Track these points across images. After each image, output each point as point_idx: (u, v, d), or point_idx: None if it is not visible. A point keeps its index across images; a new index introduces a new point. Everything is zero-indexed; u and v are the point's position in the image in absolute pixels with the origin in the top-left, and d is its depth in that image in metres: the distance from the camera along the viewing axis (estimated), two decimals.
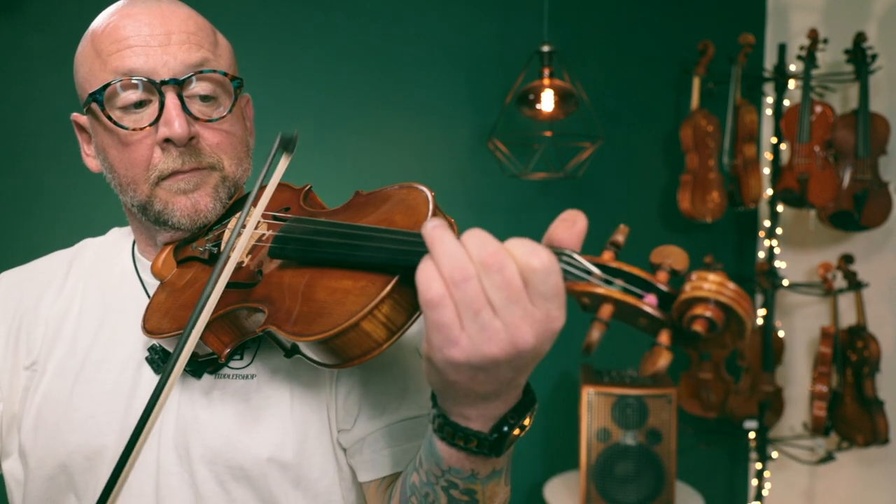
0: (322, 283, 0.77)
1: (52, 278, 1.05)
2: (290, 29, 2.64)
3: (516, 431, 0.68)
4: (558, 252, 0.62)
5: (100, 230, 1.14)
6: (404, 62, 2.77)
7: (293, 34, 2.63)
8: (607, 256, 0.62)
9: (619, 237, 0.63)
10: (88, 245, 1.10)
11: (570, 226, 0.63)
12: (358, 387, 0.94)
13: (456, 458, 0.70)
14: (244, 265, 0.89)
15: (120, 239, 1.10)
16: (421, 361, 1.02)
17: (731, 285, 0.56)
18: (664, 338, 0.58)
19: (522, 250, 0.58)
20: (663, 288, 0.59)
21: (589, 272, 0.60)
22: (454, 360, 0.59)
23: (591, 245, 0.64)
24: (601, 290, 0.59)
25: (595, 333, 0.58)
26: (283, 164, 0.78)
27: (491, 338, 0.58)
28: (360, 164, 2.74)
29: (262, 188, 0.80)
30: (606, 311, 0.59)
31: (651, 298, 0.59)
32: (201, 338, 0.83)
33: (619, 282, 0.60)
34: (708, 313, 0.56)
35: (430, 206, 0.76)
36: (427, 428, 0.96)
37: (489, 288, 0.57)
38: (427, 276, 0.59)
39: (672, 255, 0.60)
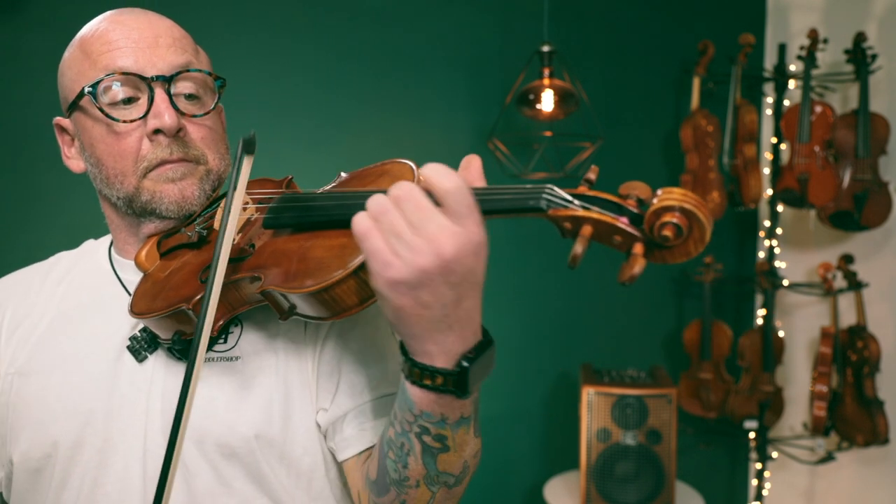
0: (318, 242, 0.82)
1: (28, 289, 1.08)
2: (291, 29, 2.63)
3: (478, 369, 0.74)
4: (541, 188, 0.71)
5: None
6: (404, 62, 2.77)
7: (293, 34, 2.63)
8: (582, 189, 0.71)
9: (591, 175, 0.73)
10: (63, 257, 1.14)
11: (466, 166, 0.77)
12: (340, 365, 0.97)
13: (426, 402, 0.75)
14: (235, 242, 0.90)
15: (95, 246, 1.13)
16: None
17: (693, 195, 0.66)
18: (638, 249, 0.68)
19: (437, 176, 0.68)
20: (633, 209, 0.69)
21: (569, 201, 0.70)
22: (393, 278, 0.68)
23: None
24: (580, 212, 0.69)
25: (579, 247, 0.68)
26: (247, 165, 0.83)
27: (417, 252, 0.67)
28: (361, 164, 2.73)
29: (234, 189, 0.84)
30: (586, 230, 0.69)
31: (623, 220, 0.69)
32: (192, 310, 0.86)
33: (595, 207, 0.69)
34: (675, 220, 0.65)
35: (415, 174, 0.84)
36: None
37: (406, 213, 0.68)
38: (357, 217, 0.70)
39: (638, 188, 0.70)
